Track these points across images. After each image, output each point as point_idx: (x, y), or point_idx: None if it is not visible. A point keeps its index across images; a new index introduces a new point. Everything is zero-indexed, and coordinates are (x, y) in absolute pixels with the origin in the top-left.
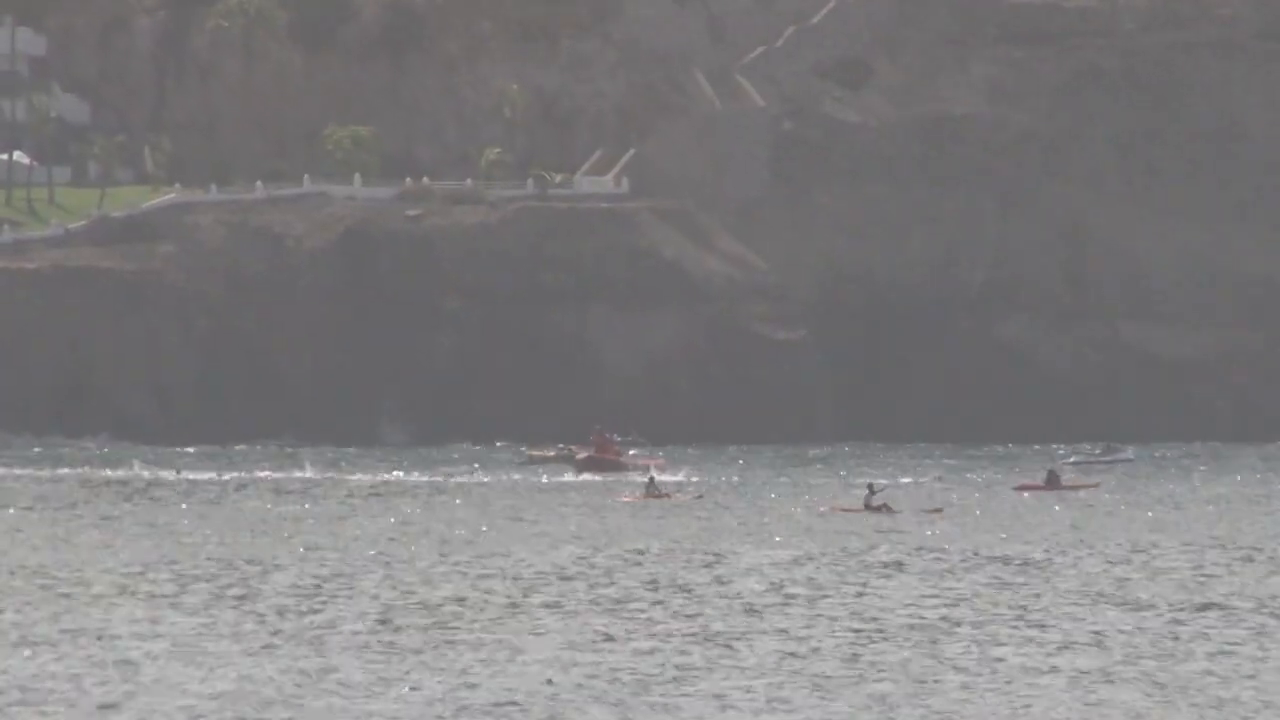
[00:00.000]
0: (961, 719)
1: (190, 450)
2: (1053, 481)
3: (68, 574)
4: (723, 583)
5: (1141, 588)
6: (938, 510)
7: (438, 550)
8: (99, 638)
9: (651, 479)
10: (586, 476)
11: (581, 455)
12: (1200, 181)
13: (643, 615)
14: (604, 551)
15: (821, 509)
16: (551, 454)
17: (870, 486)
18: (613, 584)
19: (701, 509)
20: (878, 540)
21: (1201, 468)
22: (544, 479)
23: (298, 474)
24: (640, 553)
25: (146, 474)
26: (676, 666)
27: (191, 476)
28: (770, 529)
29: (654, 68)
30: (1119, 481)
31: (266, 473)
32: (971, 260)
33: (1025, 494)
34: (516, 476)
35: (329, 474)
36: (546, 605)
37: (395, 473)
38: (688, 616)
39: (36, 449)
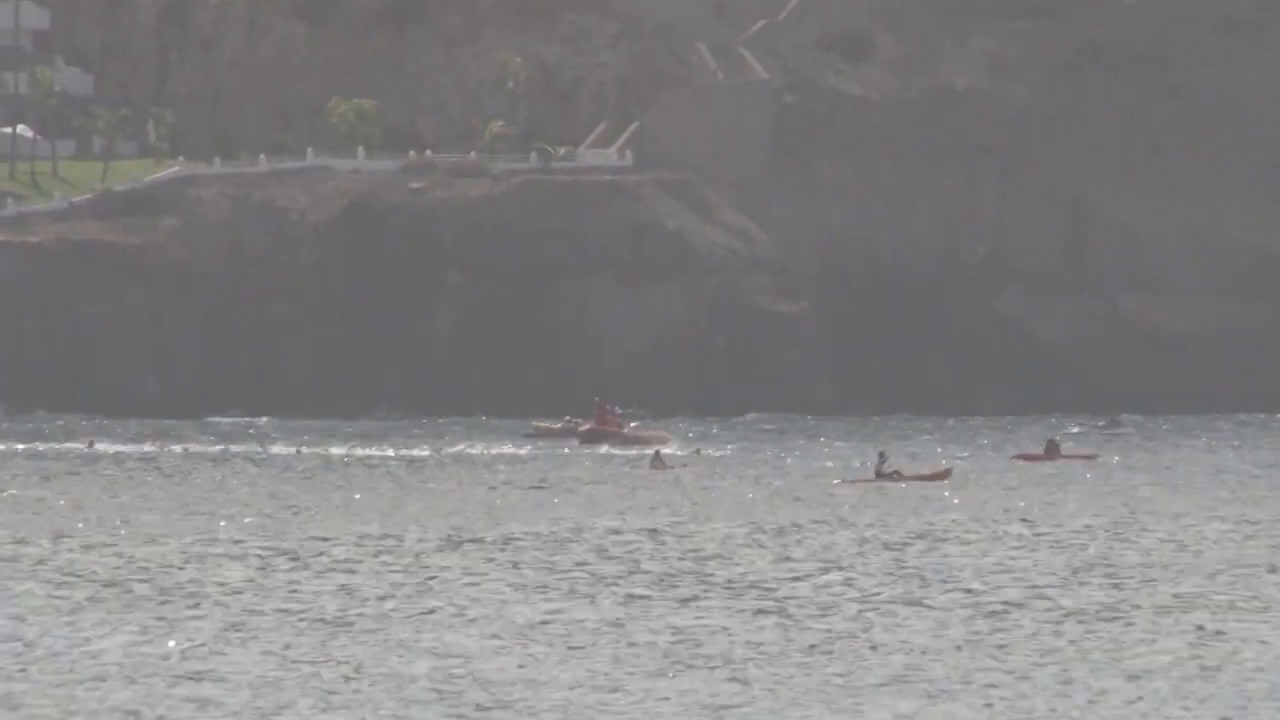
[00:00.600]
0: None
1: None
2: (1052, 451)
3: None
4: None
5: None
6: (946, 472)
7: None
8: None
9: (657, 452)
10: (608, 449)
11: (584, 427)
12: (1200, 155)
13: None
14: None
15: (835, 481)
16: (558, 427)
17: (881, 454)
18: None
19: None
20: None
21: (1204, 439)
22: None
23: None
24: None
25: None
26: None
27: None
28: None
29: (656, 40)
30: (1116, 453)
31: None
32: (972, 234)
33: (1023, 463)
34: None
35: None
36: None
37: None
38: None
39: (33, 423)
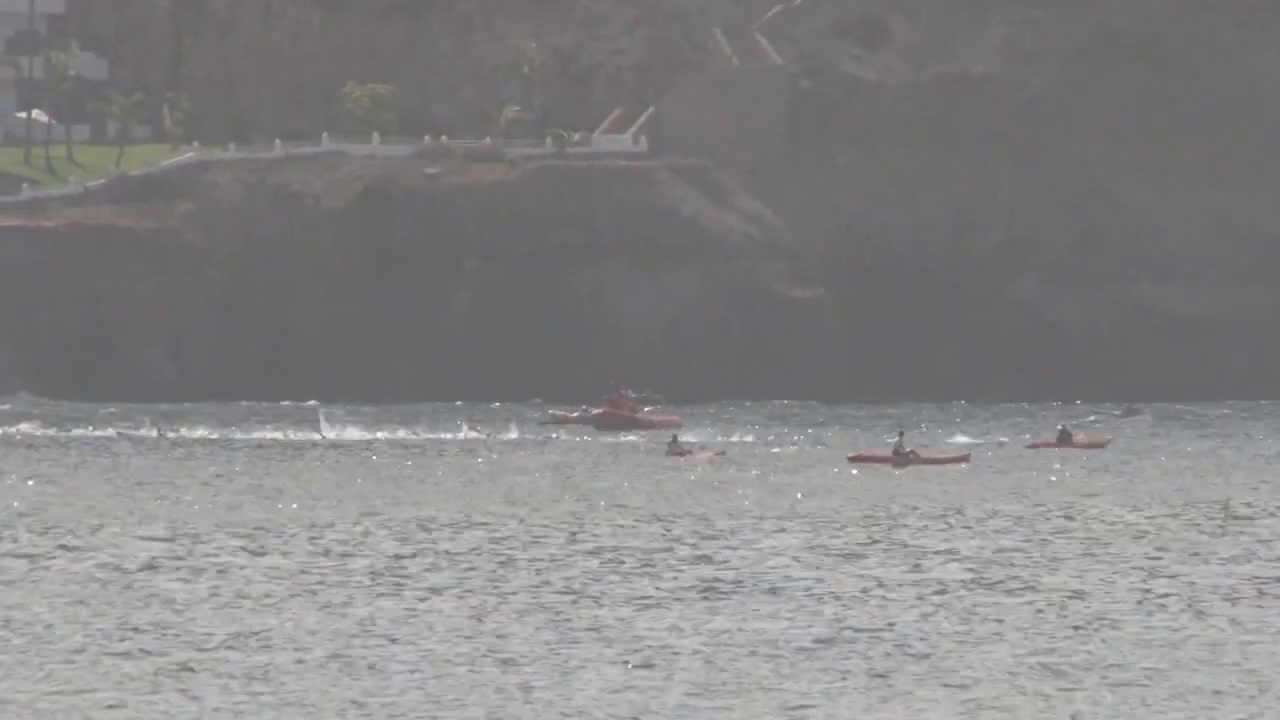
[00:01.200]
0: None
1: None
2: (1064, 439)
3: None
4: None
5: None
6: (964, 457)
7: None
8: None
9: (675, 437)
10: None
11: (596, 412)
12: (1214, 142)
13: None
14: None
15: (849, 456)
16: (574, 415)
17: (900, 434)
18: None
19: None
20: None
21: (1224, 425)
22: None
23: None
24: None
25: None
26: None
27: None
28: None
29: (672, 25)
30: (1126, 442)
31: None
32: (987, 220)
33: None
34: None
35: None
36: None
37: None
38: None
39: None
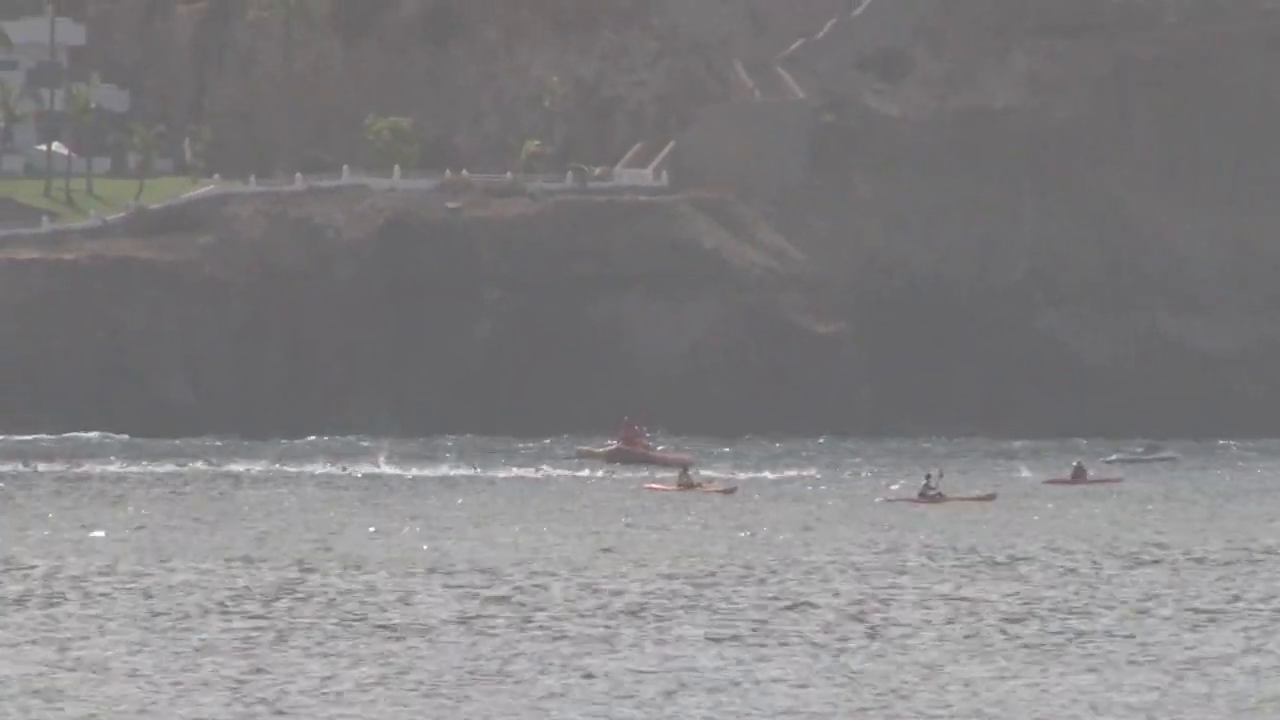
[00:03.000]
0: None
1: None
2: (1078, 476)
3: None
4: None
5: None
6: (990, 497)
7: None
8: None
9: (685, 469)
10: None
11: (611, 447)
12: (1239, 172)
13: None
14: None
15: (876, 500)
16: (601, 451)
17: (928, 476)
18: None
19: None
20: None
21: (1240, 463)
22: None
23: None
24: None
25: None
26: None
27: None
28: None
29: (694, 58)
30: (1145, 479)
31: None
32: (1010, 252)
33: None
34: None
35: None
36: None
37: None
38: None
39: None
